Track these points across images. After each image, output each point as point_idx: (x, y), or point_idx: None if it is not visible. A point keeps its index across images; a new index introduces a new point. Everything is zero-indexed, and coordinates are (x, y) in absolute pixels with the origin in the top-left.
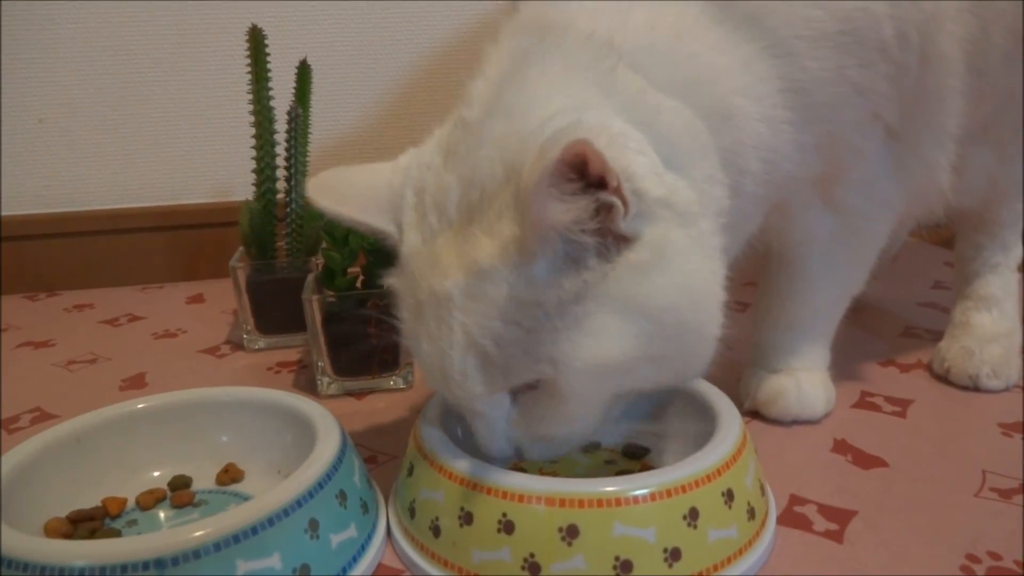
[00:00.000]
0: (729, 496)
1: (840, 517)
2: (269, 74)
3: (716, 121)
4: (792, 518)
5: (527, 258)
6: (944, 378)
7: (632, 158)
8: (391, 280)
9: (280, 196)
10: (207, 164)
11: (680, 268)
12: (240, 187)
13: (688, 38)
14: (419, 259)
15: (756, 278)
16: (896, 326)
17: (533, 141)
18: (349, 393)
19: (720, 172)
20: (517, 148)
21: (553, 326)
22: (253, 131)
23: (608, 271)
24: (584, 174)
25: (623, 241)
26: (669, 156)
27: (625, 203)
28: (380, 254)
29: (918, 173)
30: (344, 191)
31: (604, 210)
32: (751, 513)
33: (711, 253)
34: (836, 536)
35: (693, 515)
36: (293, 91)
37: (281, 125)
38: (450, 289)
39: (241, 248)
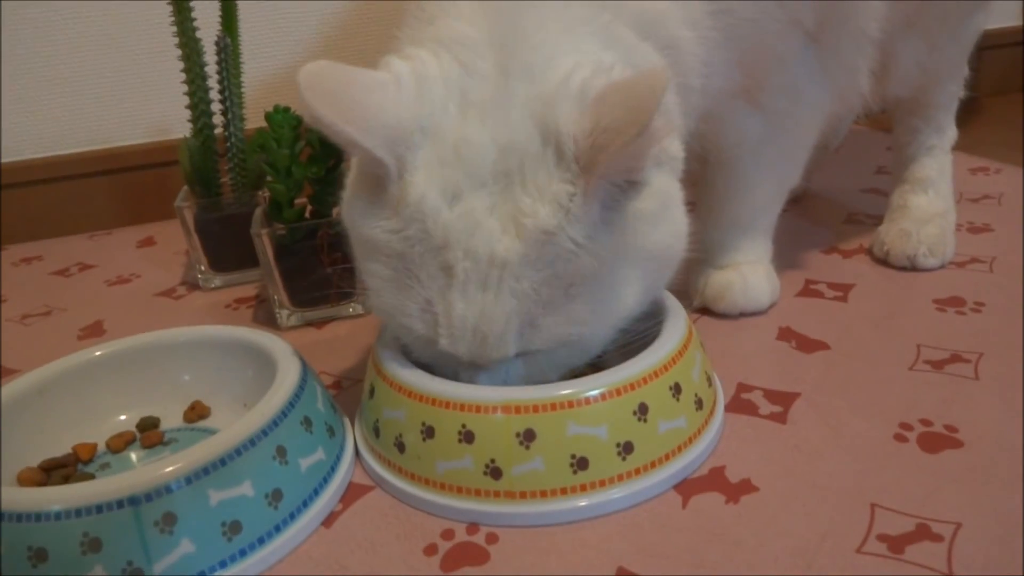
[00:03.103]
0: (677, 389)
1: (784, 400)
2: (191, 3)
3: (670, 54)
4: (740, 405)
5: (587, 207)
6: (884, 261)
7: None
8: (371, 231)
9: (218, 131)
10: (140, 103)
11: (676, 215)
12: (178, 124)
13: None
14: (446, 220)
15: (698, 176)
16: (839, 214)
17: (562, 96)
18: (309, 323)
19: (678, 101)
20: (547, 108)
21: (590, 289)
22: (183, 65)
23: (624, 226)
24: (646, 133)
25: (633, 187)
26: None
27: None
28: (325, 183)
29: (839, 77)
30: (348, 105)
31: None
32: (699, 403)
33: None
34: (780, 418)
35: (643, 410)
36: (219, 20)
37: (212, 58)
38: (504, 255)
39: (185, 187)
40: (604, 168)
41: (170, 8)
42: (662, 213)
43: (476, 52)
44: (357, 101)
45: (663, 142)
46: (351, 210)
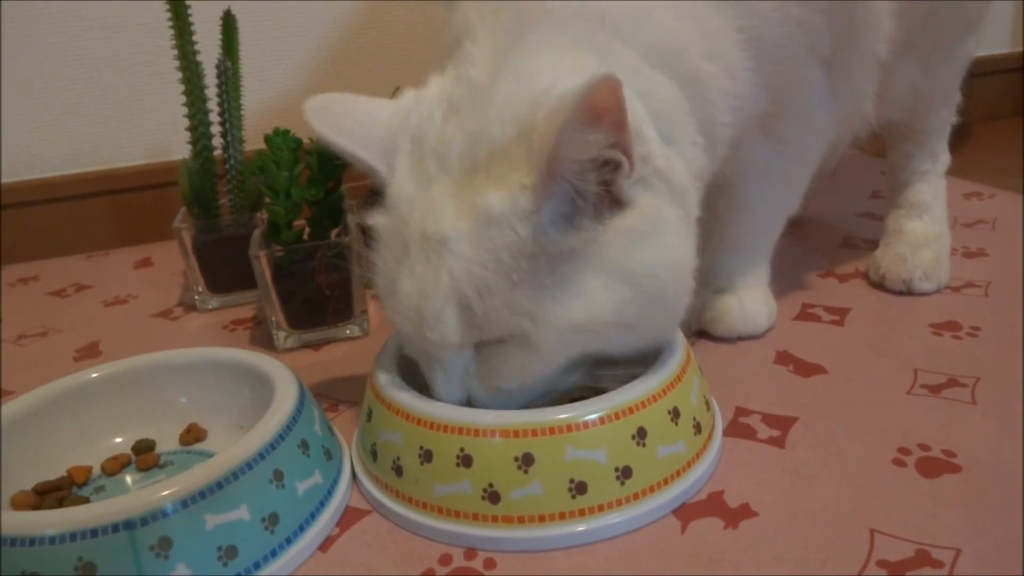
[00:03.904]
0: (675, 414)
1: (782, 424)
2: (192, 27)
3: (689, 86)
4: (738, 429)
5: (536, 203)
6: (880, 285)
7: (644, 124)
8: (374, 219)
9: (218, 153)
10: (140, 125)
11: (669, 243)
12: (177, 146)
13: (660, 10)
14: (412, 201)
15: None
16: (835, 238)
17: (544, 100)
18: (306, 345)
19: (698, 136)
20: (528, 109)
21: (540, 282)
22: (183, 88)
23: (600, 235)
24: (600, 126)
25: (617, 205)
26: (663, 130)
27: (631, 164)
28: (324, 206)
29: (848, 101)
30: (344, 120)
31: (611, 166)
32: (697, 428)
33: (693, 229)
34: (779, 442)
35: (641, 434)
36: (220, 44)
37: (212, 80)
38: (448, 233)
39: (183, 208)
40: (549, 164)
41: (172, 31)
42: (651, 236)
43: (474, 64)
44: (354, 118)
45: (645, 167)
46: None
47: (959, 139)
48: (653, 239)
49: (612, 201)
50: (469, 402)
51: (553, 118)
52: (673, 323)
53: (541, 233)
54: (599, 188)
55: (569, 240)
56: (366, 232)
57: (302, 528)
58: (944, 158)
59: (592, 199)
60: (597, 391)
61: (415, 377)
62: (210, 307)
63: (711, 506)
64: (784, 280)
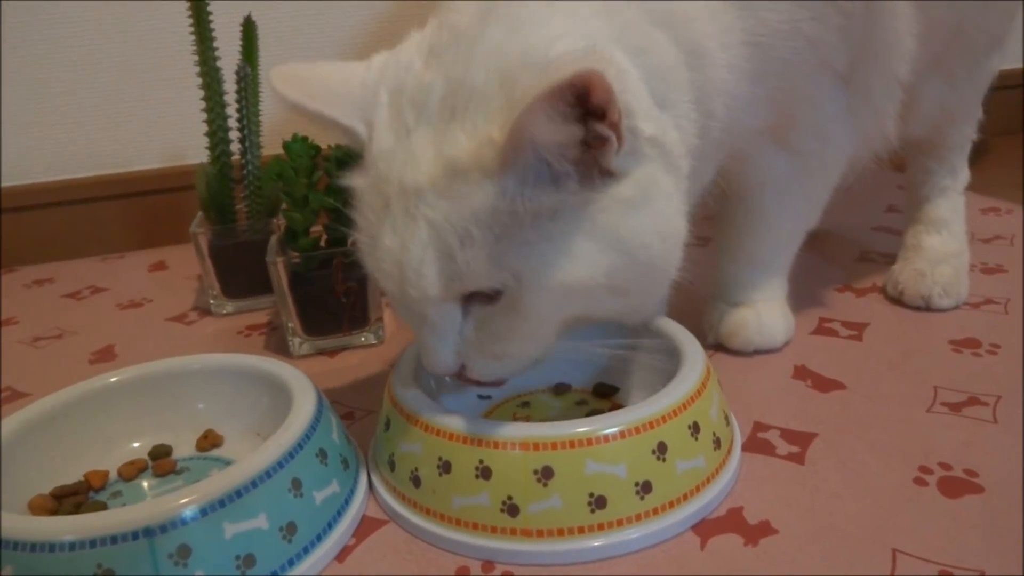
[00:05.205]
0: (695, 429)
1: (801, 440)
2: (213, 33)
3: (691, 58)
4: (757, 444)
5: (499, 168)
6: (898, 300)
7: (633, 95)
8: (353, 180)
9: (235, 158)
10: (158, 128)
11: (662, 210)
12: (194, 150)
13: None
14: (390, 155)
15: (716, 212)
16: (852, 252)
17: (538, 56)
18: (322, 352)
19: (693, 111)
20: (518, 60)
21: (525, 238)
22: (203, 93)
23: (592, 198)
24: (585, 103)
25: (609, 175)
26: (658, 91)
27: (620, 140)
28: (341, 213)
29: (867, 120)
30: (313, 84)
31: (596, 143)
32: (717, 443)
33: (683, 196)
34: (798, 458)
35: (661, 449)
36: (240, 50)
37: (231, 86)
38: (422, 182)
39: (200, 213)
40: (511, 137)
41: (192, 36)
42: (644, 205)
43: (460, 12)
44: (324, 81)
45: (634, 138)
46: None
47: (976, 154)
48: (647, 208)
49: (601, 171)
50: (461, 372)
51: (533, 90)
52: (662, 290)
53: (515, 191)
54: (581, 162)
55: (552, 199)
56: (345, 193)
57: (319, 538)
58: (964, 174)
59: (573, 169)
60: (609, 387)
61: (439, 389)
62: (225, 312)
63: (731, 522)
64: (801, 293)
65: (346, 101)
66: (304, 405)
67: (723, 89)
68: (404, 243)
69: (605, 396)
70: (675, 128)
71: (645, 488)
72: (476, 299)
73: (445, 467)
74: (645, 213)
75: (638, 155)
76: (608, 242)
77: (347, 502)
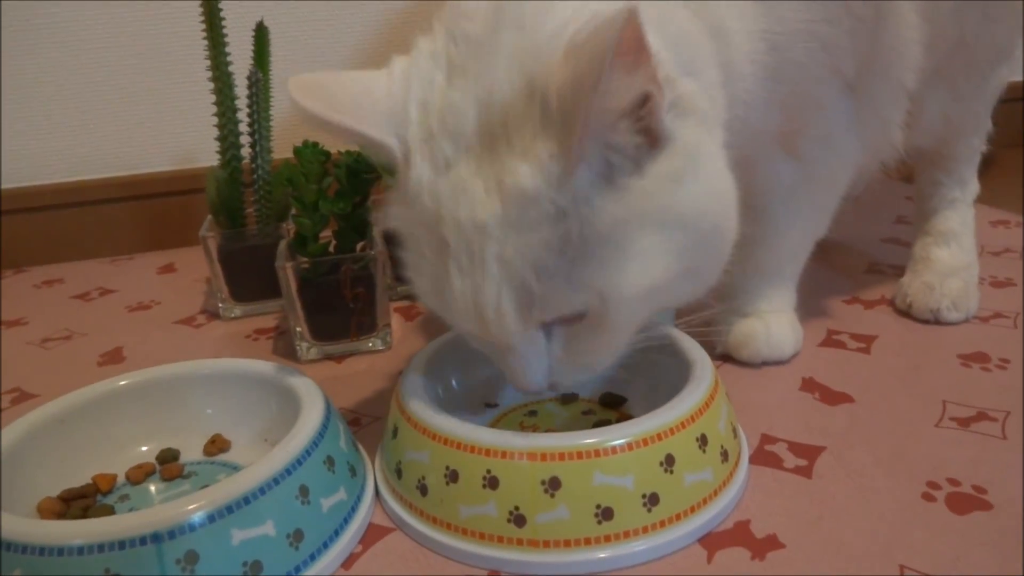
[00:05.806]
0: (703, 441)
1: (809, 453)
2: (226, 38)
3: (715, 34)
4: (764, 457)
5: (569, 169)
6: (907, 313)
7: (657, 47)
8: (394, 221)
9: (246, 162)
10: (169, 131)
11: (710, 172)
12: (204, 153)
13: None
14: (438, 191)
15: None
16: (861, 263)
17: (552, 48)
18: (329, 357)
19: (719, 84)
20: (535, 60)
21: (599, 256)
22: (214, 97)
23: (644, 189)
24: (638, 68)
25: (655, 143)
26: (681, 59)
27: (661, 89)
28: (351, 219)
29: (873, 128)
30: (338, 96)
31: (647, 102)
32: (724, 455)
33: (724, 156)
34: (806, 472)
35: (669, 461)
36: (252, 54)
37: (243, 90)
38: (483, 219)
39: (210, 217)
40: (583, 127)
41: (205, 41)
42: (691, 170)
43: (468, 17)
44: (347, 92)
45: (672, 91)
46: (387, 211)
47: (985, 166)
48: (695, 174)
49: (650, 141)
50: (552, 387)
51: (575, 71)
52: (724, 258)
53: (583, 201)
54: (635, 135)
55: (612, 205)
56: (389, 238)
57: (326, 545)
58: (973, 186)
59: (629, 151)
60: (616, 397)
61: (447, 397)
62: (233, 315)
63: (737, 536)
64: (809, 305)
65: (372, 113)
66: (312, 412)
67: (742, 77)
68: (476, 284)
69: (612, 406)
70: (706, 97)
71: (652, 500)
72: (559, 319)
73: (452, 476)
74: (695, 180)
75: (681, 113)
76: (667, 225)
77: (354, 509)
